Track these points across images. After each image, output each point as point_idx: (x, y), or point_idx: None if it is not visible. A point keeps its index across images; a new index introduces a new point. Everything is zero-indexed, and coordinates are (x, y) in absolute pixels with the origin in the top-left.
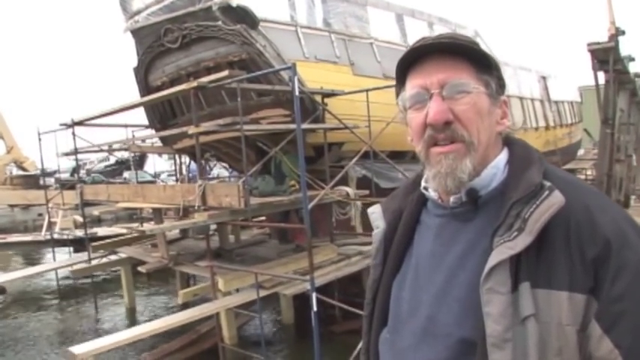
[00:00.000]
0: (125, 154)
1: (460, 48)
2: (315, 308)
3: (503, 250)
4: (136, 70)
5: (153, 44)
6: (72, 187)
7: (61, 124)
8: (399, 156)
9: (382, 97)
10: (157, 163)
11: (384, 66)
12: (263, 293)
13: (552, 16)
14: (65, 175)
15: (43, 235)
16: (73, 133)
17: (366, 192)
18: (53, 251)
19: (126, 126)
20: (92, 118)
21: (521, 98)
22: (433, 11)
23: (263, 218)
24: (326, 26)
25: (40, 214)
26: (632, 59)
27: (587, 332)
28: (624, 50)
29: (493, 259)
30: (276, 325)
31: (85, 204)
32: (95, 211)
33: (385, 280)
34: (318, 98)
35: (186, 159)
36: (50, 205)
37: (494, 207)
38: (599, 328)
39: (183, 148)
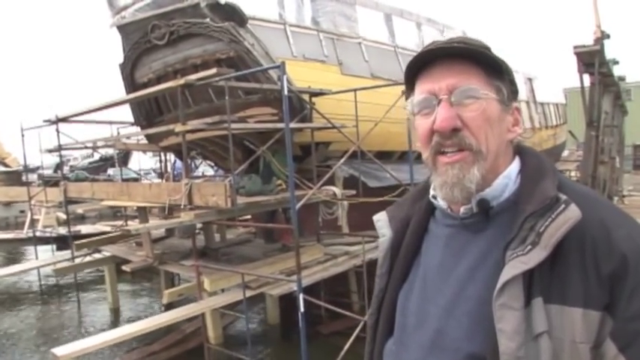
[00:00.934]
0: (110, 151)
1: (471, 53)
2: (302, 309)
3: (517, 264)
4: (122, 67)
5: (140, 40)
6: (55, 184)
7: (45, 121)
8: (386, 156)
9: (370, 97)
10: (142, 161)
11: (372, 66)
12: (249, 293)
13: (538, 18)
14: (48, 172)
15: (25, 232)
16: (57, 130)
17: (353, 192)
18: (35, 249)
19: (111, 123)
20: (77, 115)
21: None
22: (422, 12)
23: (249, 217)
24: (314, 25)
25: (22, 211)
26: (617, 62)
27: (601, 350)
28: (609, 53)
29: (506, 273)
30: (262, 325)
31: (69, 201)
32: (79, 209)
33: (391, 289)
34: (306, 97)
35: (171, 157)
36: (33, 202)
37: (506, 218)
38: (614, 347)
39: (169, 145)
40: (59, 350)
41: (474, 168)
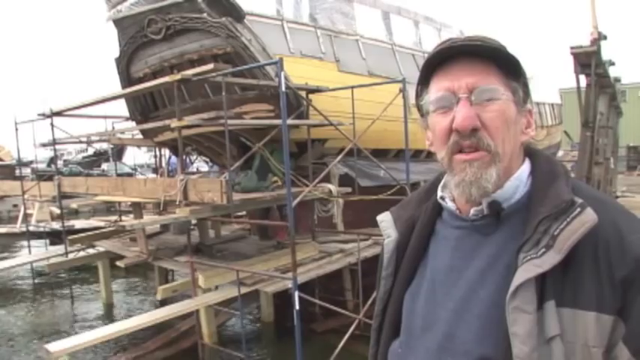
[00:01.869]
0: (104, 146)
1: (491, 51)
2: (297, 307)
3: (530, 267)
4: (118, 61)
5: (136, 35)
6: (49, 179)
7: (40, 114)
8: (382, 154)
9: (367, 94)
10: (136, 155)
11: (370, 63)
12: (244, 290)
13: (534, 18)
14: (42, 166)
15: (18, 227)
16: (52, 124)
17: (349, 189)
18: (29, 244)
19: (106, 117)
20: (72, 109)
21: None
22: (419, 10)
23: (244, 214)
24: (312, 22)
25: (16, 206)
26: (613, 64)
27: (613, 354)
28: (605, 55)
29: (520, 276)
30: (256, 322)
31: (63, 196)
32: (73, 204)
33: (397, 291)
34: (303, 94)
35: (166, 152)
36: (26, 196)
37: (517, 221)
38: (627, 352)
39: (164, 141)
40: (52, 346)
41: (492, 169)
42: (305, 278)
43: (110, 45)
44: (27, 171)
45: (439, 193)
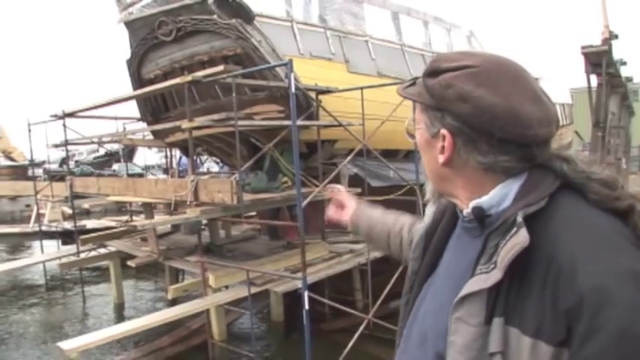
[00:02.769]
0: (115, 147)
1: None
2: (306, 306)
3: (478, 281)
4: (129, 63)
5: (146, 37)
6: (61, 179)
7: (52, 116)
8: (391, 154)
9: (377, 95)
10: (147, 156)
11: (379, 64)
12: (254, 290)
13: (545, 17)
14: (54, 167)
15: (30, 226)
16: (64, 125)
17: (358, 190)
18: (41, 243)
19: (117, 118)
20: (83, 110)
21: None
22: (429, 10)
23: (254, 214)
24: (322, 23)
25: (28, 205)
26: (624, 63)
27: None
28: (616, 54)
29: (465, 288)
30: (266, 321)
31: (75, 196)
32: (84, 204)
33: (420, 276)
34: (313, 95)
35: (176, 153)
36: (39, 196)
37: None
38: None
39: (175, 142)
40: (65, 344)
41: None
42: (315, 278)
43: (121, 47)
44: (39, 171)
45: None
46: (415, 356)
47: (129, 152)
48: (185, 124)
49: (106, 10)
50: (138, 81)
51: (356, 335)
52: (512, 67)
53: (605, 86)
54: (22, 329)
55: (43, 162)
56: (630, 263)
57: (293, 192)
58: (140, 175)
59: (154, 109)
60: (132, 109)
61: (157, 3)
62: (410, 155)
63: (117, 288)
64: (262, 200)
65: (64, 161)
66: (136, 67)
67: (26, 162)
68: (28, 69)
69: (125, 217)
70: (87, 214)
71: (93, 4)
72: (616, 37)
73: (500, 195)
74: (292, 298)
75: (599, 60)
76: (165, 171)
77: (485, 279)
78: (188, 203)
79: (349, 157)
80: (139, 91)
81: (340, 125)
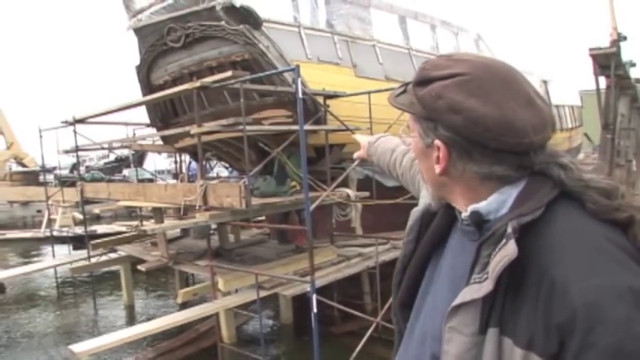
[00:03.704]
0: (125, 152)
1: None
2: (315, 310)
3: (471, 291)
4: (139, 69)
5: (156, 43)
6: (72, 185)
7: (63, 122)
8: None
9: (384, 99)
10: (157, 161)
11: (387, 68)
12: (263, 294)
13: (554, 20)
14: (65, 172)
15: (42, 231)
16: (75, 131)
17: (367, 194)
18: (52, 248)
19: (127, 124)
20: (94, 116)
21: None
22: (436, 14)
23: (263, 218)
24: (329, 27)
25: (40, 211)
26: (634, 65)
27: None
28: (625, 55)
29: (459, 298)
30: (275, 325)
31: (85, 201)
32: (95, 209)
33: (415, 261)
34: (320, 100)
35: (186, 158)
36: (50, 201)
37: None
38: None
39: (184, 147)
40: (76, 347)
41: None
42: (323, 282)
43: (131, 53)
44: (50, 177)
45: None
46: (415, 354)
47: (139, 158)
48: (194, 129)
49: (115, 17)
50: (147, 87)
51: (365, 338)
52: (502, 72)
53: (614, 88)
54: (33, 333)
55: (54, 168)
56: (626, 279)
57: (301, 196)
58: (150, 180)
59: (164, 114)
60: (141, 114)
61: (166, 10)
62: None
63: (127, 292)
64: (271, 204)
65: (74, 167)
66: (145, 73)
67: (37, 168)
68: (39, 76)
69: (135, 222)
70: (97, 219)
71: (103, 12)
72: (624, 38)
73: (498, 202)
74: (301, 302)
75: (607, 62)
76: (175, 176)
77: (477, 289)
78: (197, 208)
79: (357, 162)
80: (149, 97)
81: (348, 129)
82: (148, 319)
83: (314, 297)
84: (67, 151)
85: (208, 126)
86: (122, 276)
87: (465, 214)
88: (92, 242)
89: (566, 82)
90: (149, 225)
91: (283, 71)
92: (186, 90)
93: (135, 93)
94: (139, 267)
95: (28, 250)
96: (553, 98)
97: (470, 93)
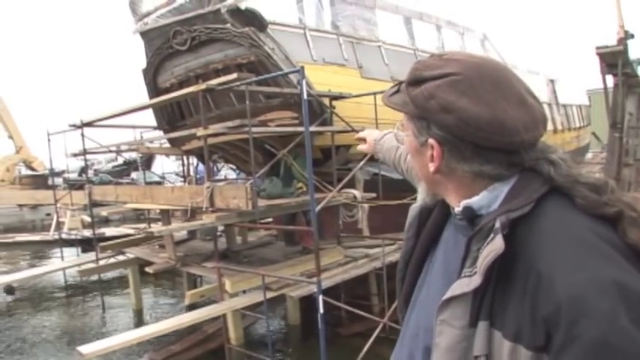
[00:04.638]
0: (133, 155)
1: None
2: (321, 310)
3: (461, 285)
4: (145, 72)
5: (162, 46)
6: (80, 188)
7: (71, 125)
8: None
9: None
10: (165, 164)
11: (392, 69)
12: (270, 295)
13: (561, 19)
14: (73, 175)
15: (51, 234)
16: (82, 134)
17: (373, 195)
18: (61, 251)
19: (134, 127)
20: (101, 119)
21: None
22: (442, 14)
23: (270, 220)
24: (334, 29)
25: (48, 214)
26: None
27: None
28: (633, 54)
29: (449, 292)
30: (282, 326)
31: (94, 204)
32: (103, 212)
33: (416, 256)
34: (326, 101)
35: (193, 160)
36: (59, 205)
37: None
38: None
39: (191, 149)
40: (84, 348)
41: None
42: (330, 283)
43: (137, 57)
44: (59, 180)
45: None
46: (410, 346)
47: (146, 160)
48: (200, 131)
49: (122, 21)
50: (154, 90)
51: (372, 338)
52: (493, 71)
53: (622, 86)
54: (42, 334)
55: (63, 171)
56: (611, 272)
57: (308, 197)
58: (158, 183)
59: (170, 117)
60: (149, 117)
61: (172, 13)
62: None
63: (135, 294)
64: (277, 206)
65: (83, 170)
66: (151, 76)
67: (46, 171)
68: (47, 80)
69: (143, 225)
70: (106, 221)
71: (109, 15)
72: (632, 36)
73: (489, 197)
74: (309, 303)
75: (614, 60)
76: (183, 178)
77: (467, 283)
78: (204, 209)
79: (362, 162)
80: (155, 100)
81: (354, 130)
82: (156, 321)
83: (320, 298)
84: (75, 155)
85: (214, 128)
86: (130, 278)
87: (457, 209)
88: (100, 245)
89: (573, 82)
90: (157, 227)
91: (288, 73)
92: (192, 92)
93: (142, 96)
94: (147, 269)
95: (37, 252)
96: (560, 97)
97: (461, 93)
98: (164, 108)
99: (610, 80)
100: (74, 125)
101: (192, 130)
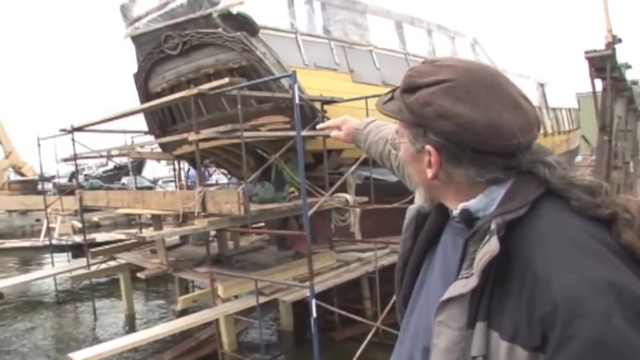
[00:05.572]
0: (124, 160)
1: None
2: (314, 315)
3: (458, 286)
4: (136, 77)
5: (153, 51)
6: (71, 193)
7: (61, 130)
8: None
9: None
10: (156, 169)
11: (384, 73)
12: (263, 300)
13: (550, 23)
14: (63, 181)
15: (41, 240)
16: (73, 139)
17: (365, 198)
18: (52, 257)
19: (125, 132)
20: (92, 124)
21: None
22: (432, 18)
23: (262, 224)
24: (326, 34)
25: (38, 220)
26: (629, 67)
27: None
28: (621, 58)
29: (447, 293)
30: (275, 331)
31: (84, 210)
32: (94, 217)
33: (414, 257)
34: (318, 105)
35: (185, 165)
36: (49, 210)
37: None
38: None
39: (182, 154)
40: (76, 355)
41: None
42: (323, 287)
43: (128, 61)
44: (49, 186)
45: None
46: (410, 346)
47: (137, 165)
48: (192, 136)
49: (113, 25)
50: (145, 94)
51: (364, 343)
52: (487, 75)
53: (610, 90)
54: (33, 341)
55: (53, 176)
56: (605, 273)
57: (300, 202)
58: (149, 188)
59: (162, 122)
60: (140, 122)
61: (163, 17)
62: None
63: (127, 300)
64: (269, 210)
65: (73, 175)
66: (143, 80)
67: (36, 176)
68: (36, 84)
69: (135, 230)
70: (97, 227)
71: (101, 20)
72: (619, 40)
73: (486, 200)
74: (302, 307)
75: (603, 64)
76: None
77: (464, 284)
78: (196, 214)
79: (354, 167)
80: (147, 105)
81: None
82: (148, 327)
83: (313, 302)
84: (65, 160)
85: (206, 133)
86: (122, 284)
87: (455, 212)
88: (91, 250)
89: (562, 85)
90: (148, 232)
91: (280, 77)
92: (183, 97)
93: (133, 101)
94: (139, 274)
95: (28, 259)
96: (550, 101)
97: (457, 99)
98: (155, 113)
99: (599, 84)
100: (64, 130)
101: (184, 135)
